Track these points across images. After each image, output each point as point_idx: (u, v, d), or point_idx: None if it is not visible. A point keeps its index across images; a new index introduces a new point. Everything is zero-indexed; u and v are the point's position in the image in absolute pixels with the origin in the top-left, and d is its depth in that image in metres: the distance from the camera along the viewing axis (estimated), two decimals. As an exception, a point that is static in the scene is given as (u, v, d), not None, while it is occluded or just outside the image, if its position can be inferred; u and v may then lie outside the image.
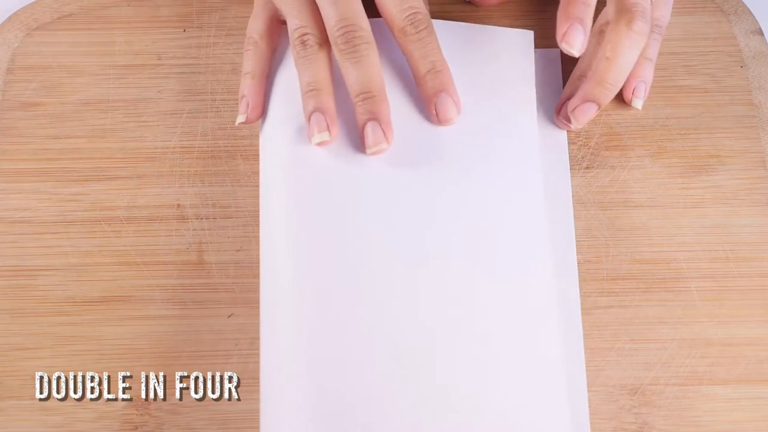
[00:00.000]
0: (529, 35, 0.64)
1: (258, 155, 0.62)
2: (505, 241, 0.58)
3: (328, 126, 0.58)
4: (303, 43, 0.59)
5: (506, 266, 0.57)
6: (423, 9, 0.60)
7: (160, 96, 0.64)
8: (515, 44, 0.63)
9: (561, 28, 0.58)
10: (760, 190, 0.61)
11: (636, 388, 0.56)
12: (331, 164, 0.59)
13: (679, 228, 0.59)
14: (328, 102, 0.59)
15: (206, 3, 0.67)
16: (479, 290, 0.56)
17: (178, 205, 0.61)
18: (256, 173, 0.62)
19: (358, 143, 0.59)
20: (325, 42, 0.60)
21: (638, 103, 0.63)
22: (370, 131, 0.58)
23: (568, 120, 0.61)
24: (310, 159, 0.59)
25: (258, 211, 0.60)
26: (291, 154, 0.59)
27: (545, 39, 0.66)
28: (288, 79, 0.62)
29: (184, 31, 0.66)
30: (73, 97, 0.64)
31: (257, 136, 0.63)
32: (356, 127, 0.59)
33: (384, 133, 0.58)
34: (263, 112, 0.61)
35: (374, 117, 0.58)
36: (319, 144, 0.58)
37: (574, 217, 0.60)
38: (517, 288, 0.57)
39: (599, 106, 0.60)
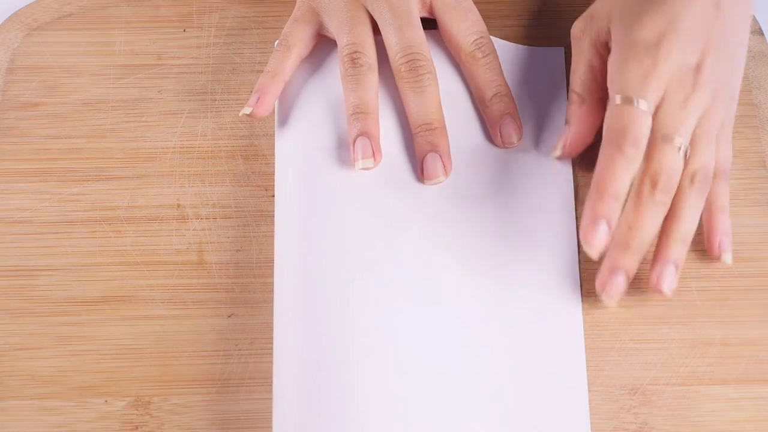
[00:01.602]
0: (559, 51, 0.65)
1: (258, 155, 0.62)
2: (529, 259, 0.58)
3: (373, 152, 0.59)
4: (353, 61, 0.59)
5: (527, 283, 0.58)
6: (487, 33, 0.61)
7: (160, 96, 0.64)
8: (547, 63, 0.64)
9: (584, 223, 0.54)
10: (760, 190, 0.61)
11: (636, 388, 0.56)
12: (346, 182, 0.59)
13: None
14: (375, 127, 0.59)
15: (206, 3, 0.67)
16: (500, 309, 0.57)
17: (178, 205, 0.61)
18: (256, 173, 0.62)
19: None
20: (374, 65, 0.60)
21: (728, 257, 0.58)
22: (430, 163, 0.59)
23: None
24: (330, 175, 0.59)
25: (258, 211, 0.60)
26: (312, 170, 0.60)
27: (545, 39, 0.66)
28: (317, 93, 0.62)
29: (184, 31, 0.66)
30: (73, 97, 0.64)
31: (257, 136, 0.63)
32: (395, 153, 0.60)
33: (444, 166, 0.59)
34: (269, 111, 0.61)
35: (435, 149, 0.59)
36: (363, 169, 0.59)
37: (575, 217, 0.60)
38: (539, 302, 0.58)
39: (628, 276, 0.55)
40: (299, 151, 0.60)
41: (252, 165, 0.62)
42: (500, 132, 0.61)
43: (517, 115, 0.61)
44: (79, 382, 0.56)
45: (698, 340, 0.57)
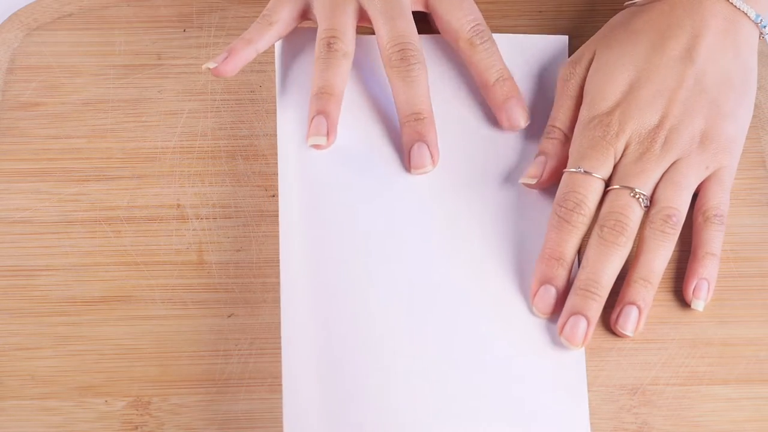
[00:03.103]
0: (563, 40, 0.65)
1: (258, 155, 0.62)
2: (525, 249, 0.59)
3: (328, 131, 0.59)
4: (328, 45, 0.60)
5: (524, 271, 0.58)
6: (483, 20, 0.62)
7: (160, 96, 0.64)
8: (551, 50, 0.65)
9: (533, 288, 0.57)
10: (760, 190, 0.61)
11: (636, 388, 0.56)
12: (351, 180, 0.59)
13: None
14: (335, 109, 0.60)
15: (206, 3, 0.67)
16: (500, 308, 0.57)
17: (178, 205, 0.61)
18: (256, 173, 0.62)
19: (376, 154, 0.60)
20: (350, 53, 0.60)
21: (699, 305, 0.57)
22: (417, 152, 0.59)
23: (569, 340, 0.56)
24: (334, 173, 0.60)
25: (258, 211, 0.60)
26: (316, 168, 0.60)
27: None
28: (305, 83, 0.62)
29: (184, 31, 0.66)
30: (73, 97, 0.64)
31: (257, 136, 0.63)
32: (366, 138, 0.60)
33: (431, 155, 0.59)
34: (233, 73, 0.60)
35: (422, 138, 0.59)
36: (314, 147, 0.59)
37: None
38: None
39: (588, 320, 0.55)
40: (302, 148, 0.60)
41: (252, 165, 0.62)
42: (506, 116, 0.61)
43: (521, 98, 0.62)
44: (79, 382, 0.56)
45: (698, 340, 0.57)
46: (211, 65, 0.60)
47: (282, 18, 0.62)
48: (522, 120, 0.61)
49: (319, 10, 0.61)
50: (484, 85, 0.62)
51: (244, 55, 0.61)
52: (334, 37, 0.60)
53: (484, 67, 0.61)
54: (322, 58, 0.60)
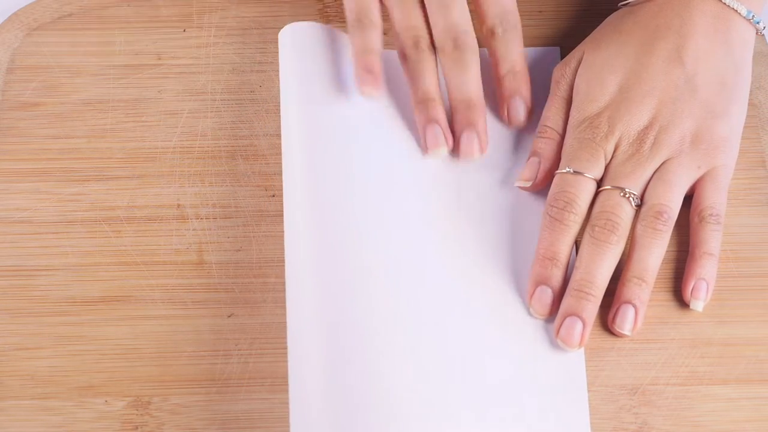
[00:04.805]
0: (555, 51, 0.65)
1: (258, 155, 0.62)
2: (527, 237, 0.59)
3: (445, 138, 0.59)
4: (416, 45, 0.60)
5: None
6: (515, 8, 0.61)
7: (160, 96, 0.64)
8: (544, 62, 0.65)
9: (529, 289, 0.57)
10: (760, 190, 0.61)
11: (636, 388, 0.56)
12: (357, 178, 0.59)
13: (679, 228, 0.59)
14: (441, 112, 0.60)
15: (206, 3, 0.67)
16: (501, 309, 0.57)
17: (178, 205, 0.61)
18: (256, 173, 0.62)
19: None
20: (433, 45, 0.60)
21: (698, 306, 0.56)
22: (467, 140, 0.60)
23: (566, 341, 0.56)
24: (339, 169, 0.60)
25: (258, 211, 0.60)
26: (318, 159, 0.60)
27: (545, 39, 0.66)
28: (321, 89, 0.62)
29: (184, 31, 0.66)
30: (73, 97, 0.64)
31: (257, 136, 0.63)
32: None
33: (480, 144, 0.60)
34: (383, 87, 0.61)
35: (473, 126, 0.60)
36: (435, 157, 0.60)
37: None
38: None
39: (583, 321, 0.55)
40: (307, 144, 0.60)
41: (252, 165, 0.62)
42: (507, 110, 0.62)
43: (527, 95, 0.62)
44: (79, 382, 0.56)
45: (698, 340, 0.57)
46: (371, 90, 0.59)
47: (377, 16, 0.61)
48: (523, 117, 0.62)
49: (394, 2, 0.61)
50: (496, 76, 0.62)
51: (378, 64, 0.60)
52: (419, 36, 0.60)
53: (498, 56, 0.61)
54: (414, 62, 0.60)
